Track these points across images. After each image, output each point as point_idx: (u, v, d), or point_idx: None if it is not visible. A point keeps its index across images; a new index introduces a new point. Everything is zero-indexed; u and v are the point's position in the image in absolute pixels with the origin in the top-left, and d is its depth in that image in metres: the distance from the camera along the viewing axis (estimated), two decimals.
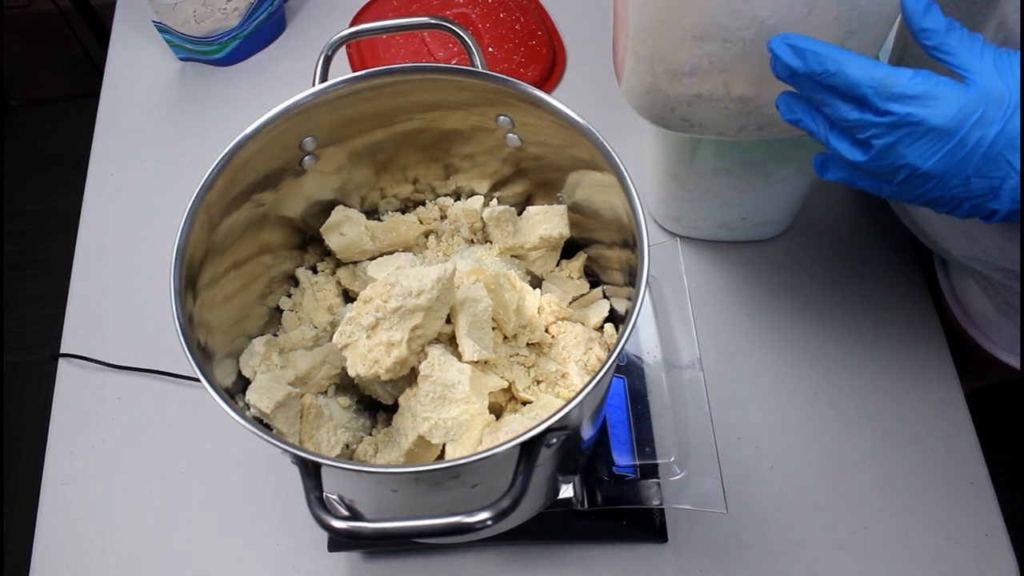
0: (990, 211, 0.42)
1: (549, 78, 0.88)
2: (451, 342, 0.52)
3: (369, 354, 0.48)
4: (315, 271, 0.61)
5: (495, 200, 0.62)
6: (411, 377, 0.52)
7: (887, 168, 0.43)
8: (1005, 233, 0.54)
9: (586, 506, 0.59)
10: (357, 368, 0.48)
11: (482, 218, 0.61)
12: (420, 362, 0.50)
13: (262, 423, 0.51)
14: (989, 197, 0.42)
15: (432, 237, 0.62)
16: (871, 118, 0.41)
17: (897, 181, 0.43)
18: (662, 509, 0.63)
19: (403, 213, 0.63)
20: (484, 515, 0.38)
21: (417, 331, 0.48)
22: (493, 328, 0.54)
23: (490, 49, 0.87)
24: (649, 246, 0.44)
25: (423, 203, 0.64)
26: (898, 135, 0.41)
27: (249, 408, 0.50)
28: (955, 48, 0.40)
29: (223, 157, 0.48)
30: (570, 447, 0.50)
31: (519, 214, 0.61)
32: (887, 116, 0.40)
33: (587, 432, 0.52)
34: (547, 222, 0.59)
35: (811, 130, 0.46)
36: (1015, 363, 0.69)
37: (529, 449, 0.40)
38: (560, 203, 0.59)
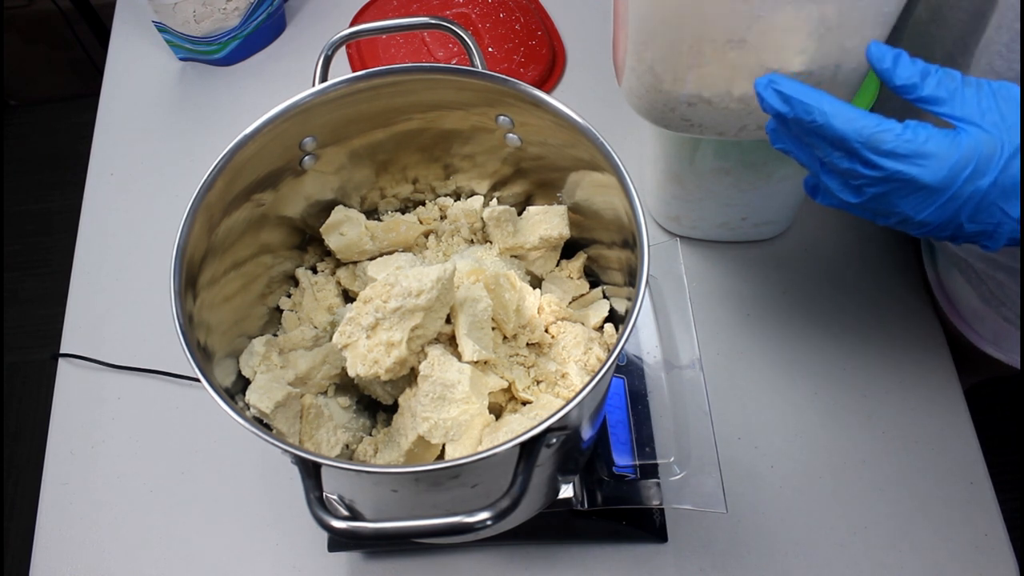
0: (984, 246, 0.42)
1: (549, 78, 0.88)
2: (451, 342, 0.52)
3: (369, 354, 0.48)
4: (315, 271, 0.61)
5: (495, 200, 0.62)
6: (411, 377, 0.52)
7: (879, 212, 0.43)
8: None
9: (586, 506, 0.59)
10: (357, 368, 0.48)
11: (482, 218, 0.61)
12: (420, 362, 0.50)
13: (262, 423, 0.51)
14: (983, 237, 0.41)
15: (432, 237, 0.62)
16: (860, 169, 0.41)
17: (891, 223, 0.43)
18: (662, 509, 0.63)
19: (403, 213, 0.64)
20: (484, 515, 0.38)
21: (417, 331, 0.48)
22: (493, 328, 0.54)
23: (490, 49, 0.87)
24: (649, 246, 0.44)
25: (423, 203, 0.63)
26: (889, 187, 0.40)
27: (249, 408, 0.50)
28: (936, 97, 0.40)
29: (223, 157, 0.48)
30: (570, 447, 0.50)
31: (519, 214, 0.61)
32: (877, 170, 0.40)
33: (587, 432, 0.52)
34: (547, 222, 0.59)
35: (802, 162, 0.45)
36: (1000, 356, 0.69)
37: (529, 449, 0.40)
38: (560, 203, 0.59)
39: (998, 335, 0.68)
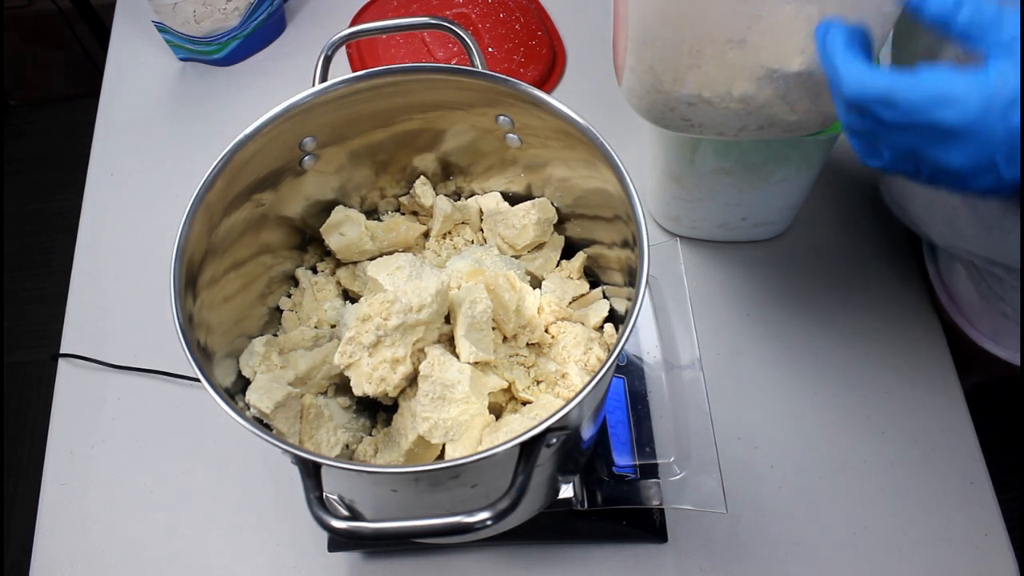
0: None
1: (549, 78, 0.88)
2: (451, 342, 0.52)
3: (374, 372, 0.48)
4: (315, 271, 0.61)
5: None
6: (411, 377, 0.52)
7: (910, 169, 0.41)
8: (981, 223, 0.53)
9: (586, 506, 0.59)
10: (364, 387, 0.48)
11: (481, 209, 0.61)
12: (420, 362, 0.50)
13: (262, 423, 0.51)
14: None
15: (432, 237, 0.62)
16: (880, 130, 0.40)
17: (924, 179, 0.41)
18: (662, 509, 0.63)
19: (403, 213, 0.64)
20: (484, 515, 0.38)
21: (418, 344, 0.49)
22: (493, 328, 0.54)
23: (490, 49, 0.87)
24: (649, 246, 0.44)
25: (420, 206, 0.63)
26: (915, 139, 0.39)
27: (249, 408, 0.50)
28: (969, 30, 0.38)
29: (223, 157, 0.48)
30: (570, 447, 0.50)
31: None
32: (899, 127, 0.39)
33: (587, 432, 0.52)
34: (535, 207, 0.59)
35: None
36: (999, 352, 0.69)
37: (529, 449, 0.40)
38: (558, 202, 0.59)
39: (997, 331, 0.68)
